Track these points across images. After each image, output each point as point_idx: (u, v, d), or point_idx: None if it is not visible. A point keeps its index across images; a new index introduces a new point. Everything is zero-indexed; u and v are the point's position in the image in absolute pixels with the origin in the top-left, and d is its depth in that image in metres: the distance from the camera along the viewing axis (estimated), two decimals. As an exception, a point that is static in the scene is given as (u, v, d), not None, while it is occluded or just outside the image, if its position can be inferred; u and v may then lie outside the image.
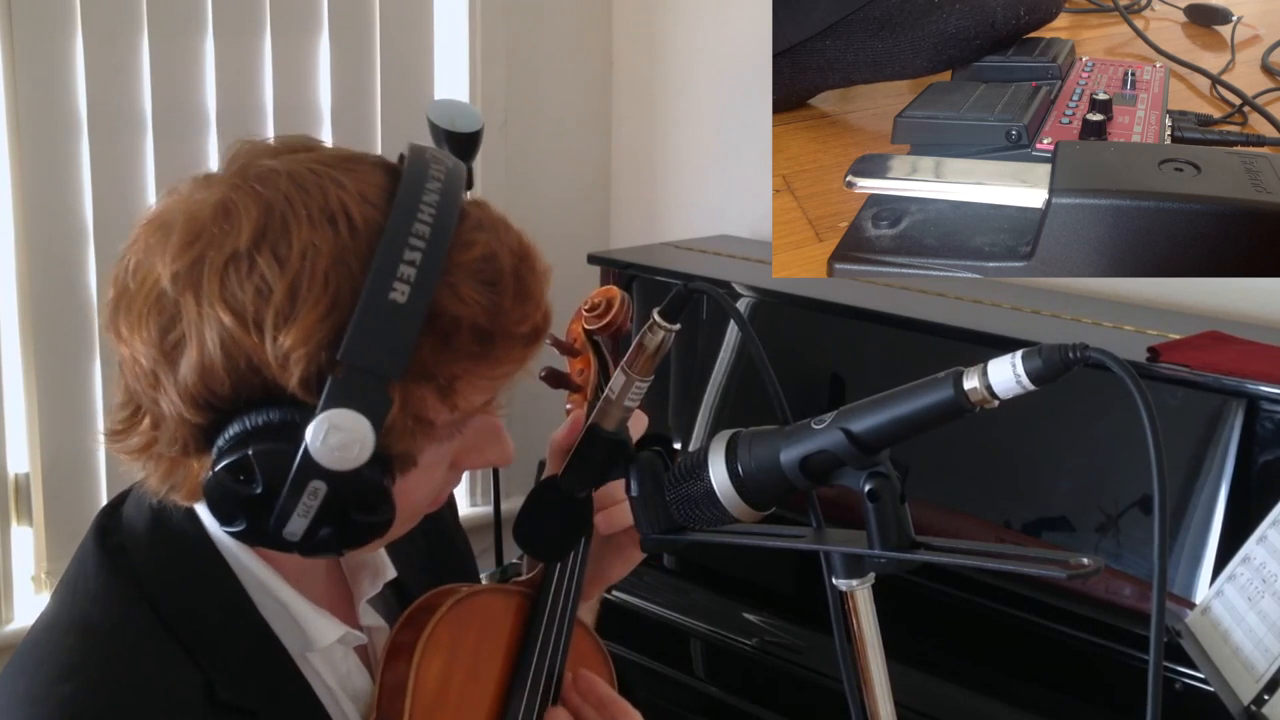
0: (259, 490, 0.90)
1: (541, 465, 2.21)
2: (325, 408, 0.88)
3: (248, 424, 0.90)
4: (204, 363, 0.90)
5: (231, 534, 0.94)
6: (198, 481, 0.95)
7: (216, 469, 0.91)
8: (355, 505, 0.92)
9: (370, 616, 1.15)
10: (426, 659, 1.11)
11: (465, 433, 1.01)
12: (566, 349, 1.35)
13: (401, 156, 0.97)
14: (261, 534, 0.92)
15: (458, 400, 0.95)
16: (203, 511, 1.03)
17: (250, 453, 0.90)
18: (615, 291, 1.36)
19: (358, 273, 0.89)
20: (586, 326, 1.34)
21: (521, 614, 1.22)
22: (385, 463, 0.92)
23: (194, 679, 0.99)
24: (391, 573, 1.16)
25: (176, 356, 0.91)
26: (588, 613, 1.32)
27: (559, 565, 1.24)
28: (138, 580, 1.01)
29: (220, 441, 0.91)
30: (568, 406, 1.34)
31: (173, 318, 0.91)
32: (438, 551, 1.26)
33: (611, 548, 1.26)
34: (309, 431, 0.88)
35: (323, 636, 1.06)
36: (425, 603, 1.15)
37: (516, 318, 0.95)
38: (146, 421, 0.96)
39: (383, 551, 1.16)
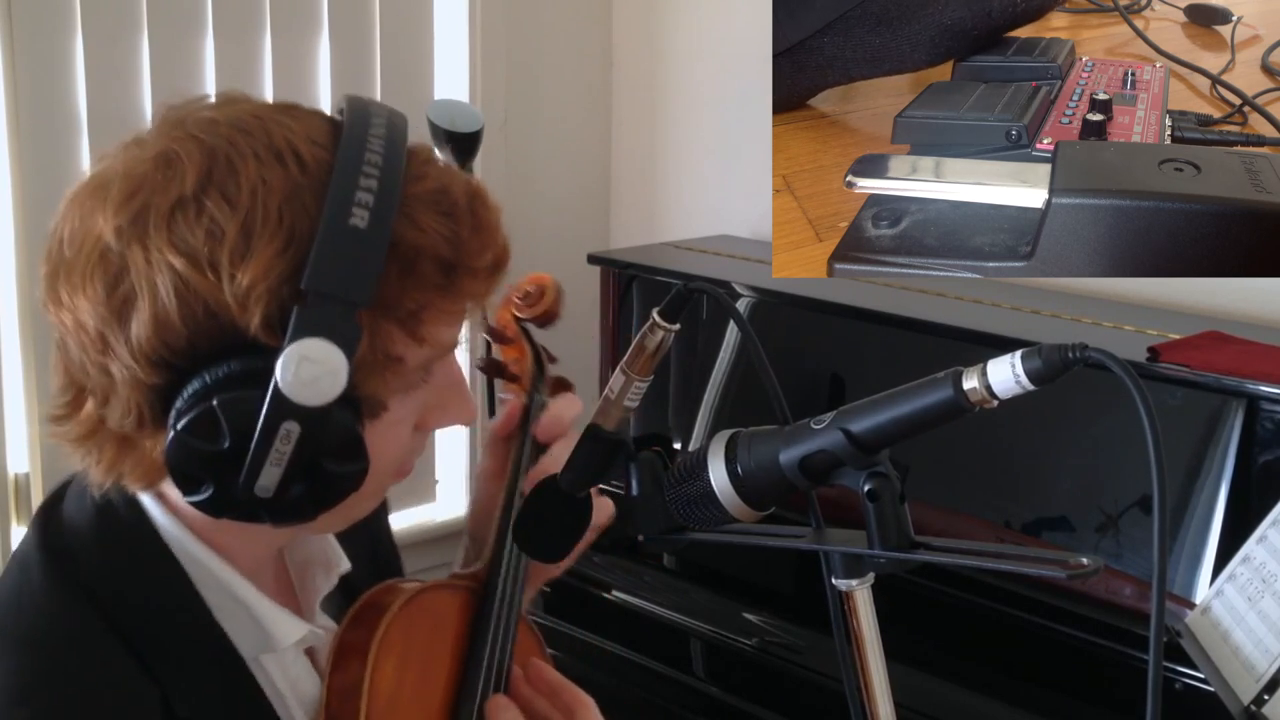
0: (226, 444, 0.86)
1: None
2: (294, 339, 0.85)
3: (208, 377, 0.86)
4: (158, 314, 0.86)
5: (196, 503, 0.89)
6: (151, 460, 0.91)
7: (177, 429, 0.86)
8: (329, 451, 0.88)
9: (322, 619, 1.12)
10: (380, 660, 1.08)
11: (430, 386, 0.98)
12: (499, 336, 1.32)
13: (336, 109, 0.96)
14: (229, 499, 0.88)
15: (424, 332, 0.92)
16: (151, 507, 0.99)
17: (215, 403, 0.85)
18: (547, 278, 1.34)
19: (312, 207, 0.87)
20: (517, 314, 1.32)
21: (468, 609, 1.19)
22: (355, 405, 0.89)
23: (150, 695, 0.95)
24: (346, 564, 1.13)
25: (127, 312, 0.87)
26: (526, 602, 1.30)
27: (504, 558, 1.22)
28: (87, 587, 0.96)
29: (179, 403, 0.87)
30: (503, 397, 1.32)
31: (120, 271, 0.87)
32: (382, 564, 1.23)
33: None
34: (279, 366, 0.84)
35: (286, 636, 1.02)
36: (372, 600, 1.12)
37: (475, 248, 0.93)
38: (90, 403, 0.91)
39: (333, 542, 1.12)
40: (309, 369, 0.85)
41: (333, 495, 0.92)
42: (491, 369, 1.31)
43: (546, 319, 1.33)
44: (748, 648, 1.99)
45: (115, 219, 0.87)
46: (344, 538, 1.13)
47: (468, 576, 1.22)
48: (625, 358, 0.99)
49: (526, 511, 1.07)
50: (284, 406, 0.85)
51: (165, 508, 0.99)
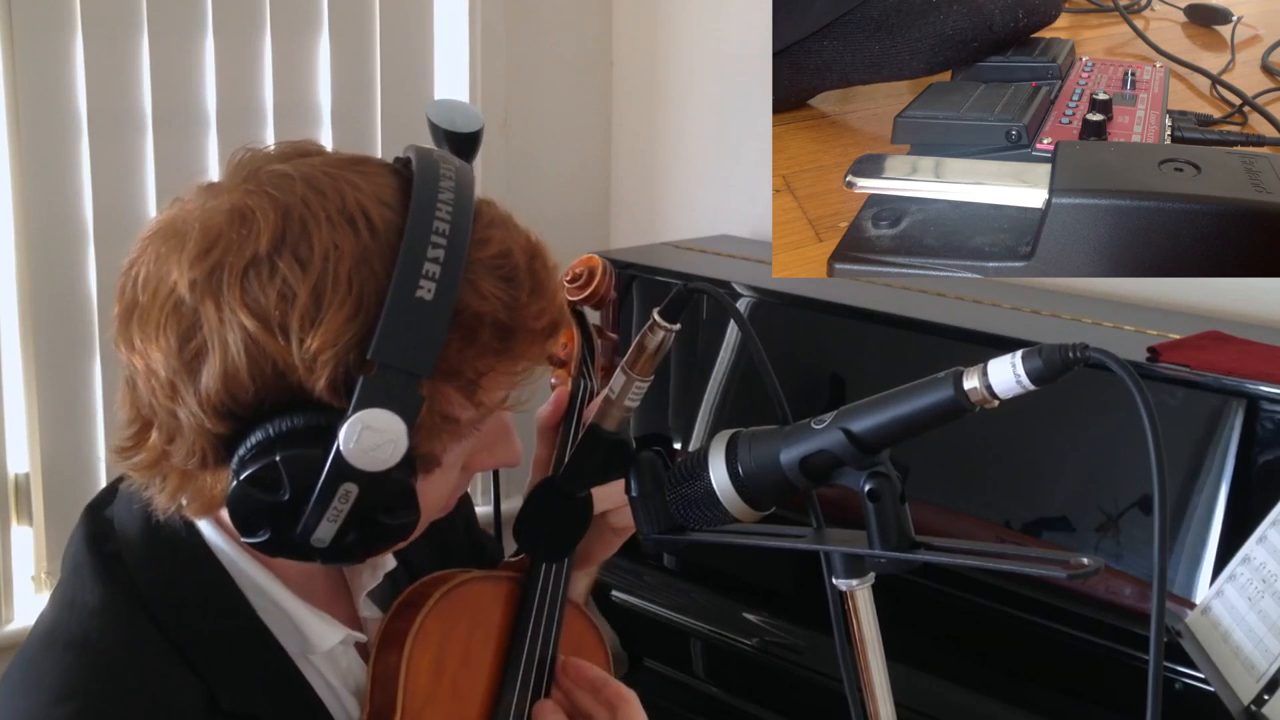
0: (286, 497, 0.89)
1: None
2: (358, 408, 0.87)
3: (272, 430, 0.89)
4: (227, 370, 0.88)
5: (254, 544, 0.92)
6: (212, 495, 0.94)
7: (241, 478, 0.89)
8: (383, 508, 0.91)
9: (369, 609, 1.15)
10: (418, 649, 1.10)
11: (480, 434, 1.01)
12: None
13: (401, 160, 0.97)
14: (286, 543, 0.91)
15: (482, 397, 0.95)
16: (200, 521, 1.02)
17: (278, 459, 0.88)
18: (596, 260, 1.33)
19: (381, 273, 0.89)
20: (569, 298, 1.30)
21: (511, 600, 1.21)
22: (411, 464, 0.92)
23: (196, 691, 0.98)
24: (391, 563, 1.16)
25: (198, 365, 0.90)
26: (581, 590, 1.31)
27: None
28: (136, 590, 1.00)
29: (242, 450, 0.90)
30: (553, 382, 1.32)
31: (192, 326, 0.90)
32: (450, 551, 1.25)
33: (591, 529, 1.25)
34: (342, 433, 0.87)
35: (322, 641, 1.06)
36: (415, 592, 1.14)
37: (534, 312, 0.95)
38: (156, 436, 0.94)
39: None
40: (371, 437, 0.87)
41: (384, 543, 0.95)
42: None
43: (598, 301, 1.32)
44: (748, 648, 1.99)
45: (190, 272, 0.89)
46: None
47: (512, 567, 1.23)
48: (626, 358, 0.99)
49: (526, 512, 1.07)
50: (344, 470, 0.88)
51: (212, 521, 1.03)
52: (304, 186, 0.91)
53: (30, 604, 2.33)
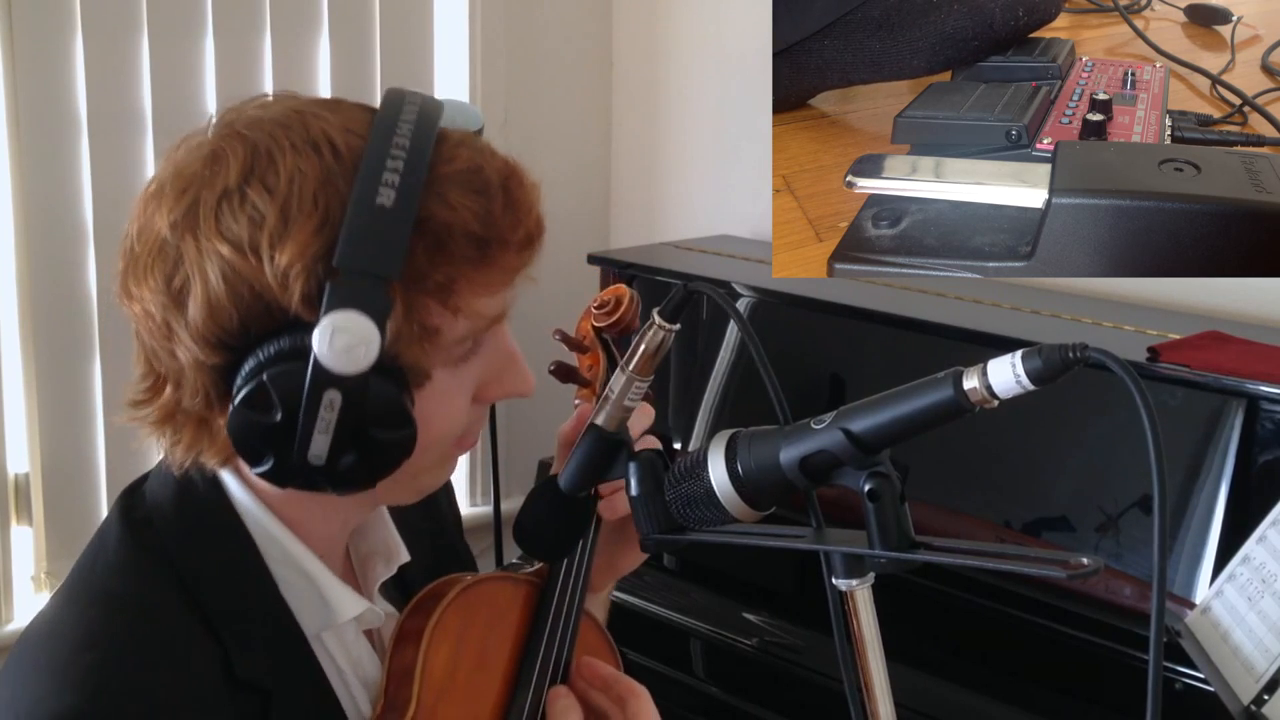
0: (279, 416, 0.92)
1: (542, 465, 2.22)
2: (327, 311, 0.90)
3: (260, 355, 0.92)
4: (210, 299, 0.92)
5: (261, 473, 0.95)
6: (224, 438, 0.97)
7: (236, 403, 0.92)
8: (374, 419, 0.93)
9: (381, 604, 1.16)
10: (434, 645, 1.11)
11: (482, 358, 1.03)
12: (575, 345, 1.36)
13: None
14: (288, 468, 0.94)
15: (458, 303, 0.97)
16: (230, 483, 1.05)
17: (265, 378, 0.91)
18: (624, 290, 1.38)
19: (345, 190, 0.92)
20: (595, 324, 1.36)
21: (530, 603, 1.22)
22: (397, 374, 0.94)
23: (214, 654, 1.00)
24: (405, 556, 1.17)
25: (184, 299, 0.93)
26: (599, 607, 1.32)
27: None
28: (165, 551, 1.03)
29: (238, 380, 0.93)
30: (576, 401, 1.35)
31: (175, 262, 0.94)
32: (442, 558, 1.27)
33: (623, 538, 1.26)
34: (315, 338, 0.90)
35: (345, 610, 1.07)
36: (433, 589, 1.16)
37: (509, 223, 0.98)
38: (168, 388, 0.98)
39: (395, 534, 1.17)
40: (342, 339, 0.90)
41: (386, 462, 0.96)
42: (563, 374, 1.33)
43: (623, 329, 1.37)
44: (748, 648, 1.99)
45: (170, 214, 0.94)
46: (406, 534, 1.18)
47: (533, 572, 1.25)
48: (625, 357, 0.99)
49: (526, 512, 1.07)
50: (324, 376, 0.91)
51: (243, 483, 1.06)
52: (271, 124, 0.96)
53: (30, 604, 2.33)
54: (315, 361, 0.90)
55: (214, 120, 0.99)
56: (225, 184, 0.93)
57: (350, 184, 0.92)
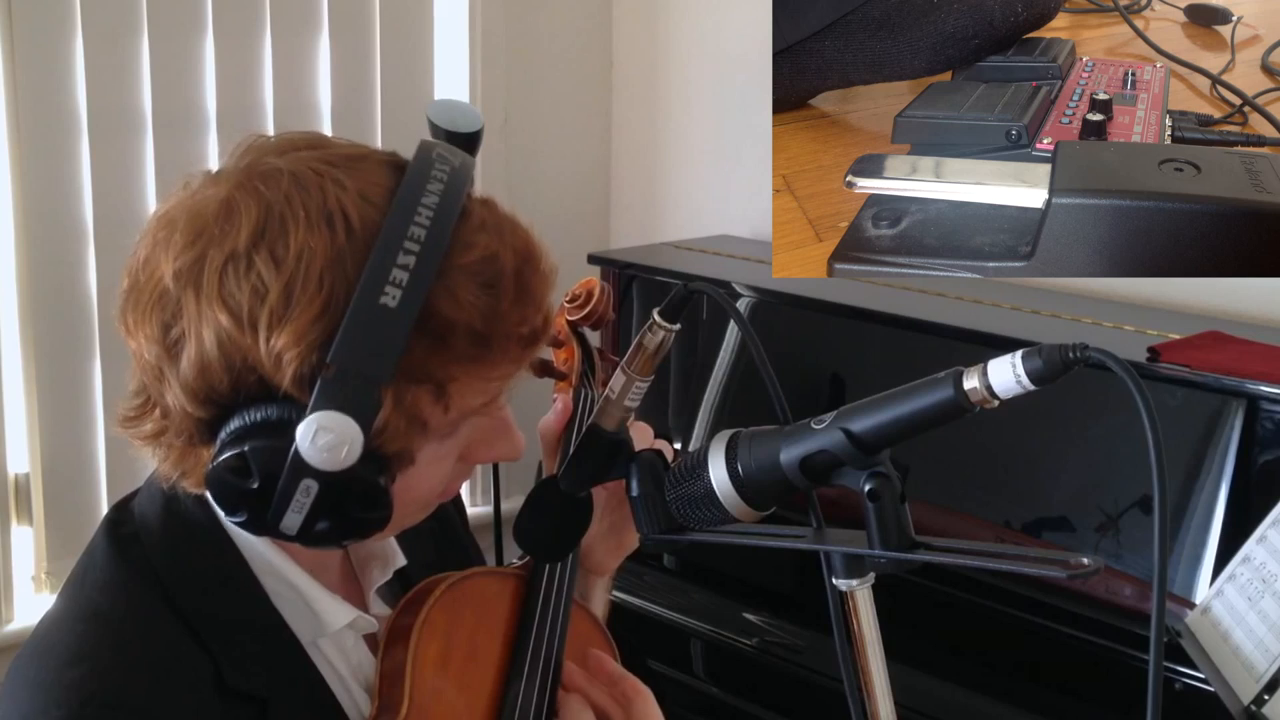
0: (255, 485, 0.91)
1: (541, 465, 2.21)
2: (315, 409, 0.89)
3: (245, 420, 0.92)
4: (202, 360, 0.91)
5: (236, 524, 0.95)
6: (204, 471, 0.96)
7: (216, 463, 0.92)
8: (350, 502, 0.93)
9: (379, 606, 1.16)
10: (423, 643, 1.11)
11: (469, 429, 1.02)
12: (551, 341, 1.37)
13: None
14: (262, 525, 0.94)
15: (452, 401, 0.95)
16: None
17: (246, 449, 0.91)
18: (595, 282, 1.39)
19: (352, 275, 0.90)
20: (569, 318, 1.38)
21: (517, 596, 1.22)
22: (381, 461, 0.93)
23: (203, 665, 1.00)
24: (402, 560, 1.17)
25: (178, 353, 0.93)
26: (603, 590, 1.32)
27: None
28: (150, 567, 1.03)
29: (223, 434, 0.93)
30: (554, 396, 1.35)
31: (174, 314, 0.93)
32: (445, 554, 1.27)
33: (625, 515, 1.25)
34: (299, 432, 0.89)
35: (334, 619, 1.07)
36: (420, 589, 1.16)
37: (515, 320, 0.95)
38: (157, 413, 0.97)
39: (393, 540, 1.17)
40: (325, 438, 0.89)
41: (358, 534, 0.96)
42: (539, 369, 1.33)
43: (595, 321, 1.38)
44: (748, 648, 1.99)
45: (176, 261, 0.93)
46: (409, 534, 1.17)
47: (521, 565, 1.25)
48: (625, 357, 0.99)
49: (526, 512, 1.07)
50: (303, 466, 0.90)
51: None
52: (290, 183, 0.93)
53: (30, 604, 2.33)
54: (296, 451, 0.89)
55: (239, 153, 0.97)
56: (234, 246, 0.91)
57: (360, 267, 0.89)
